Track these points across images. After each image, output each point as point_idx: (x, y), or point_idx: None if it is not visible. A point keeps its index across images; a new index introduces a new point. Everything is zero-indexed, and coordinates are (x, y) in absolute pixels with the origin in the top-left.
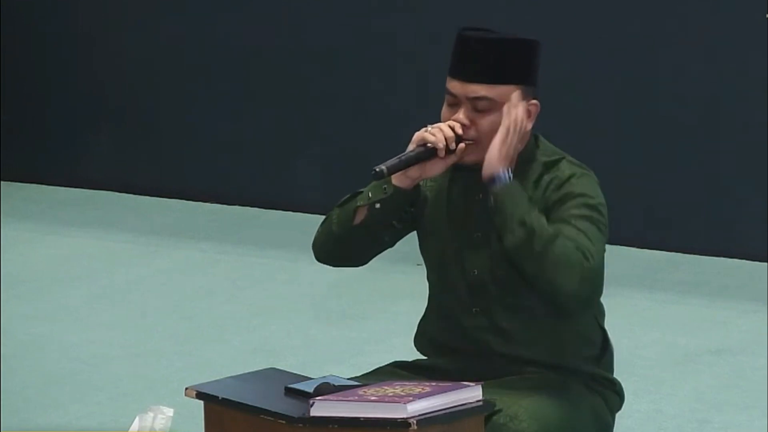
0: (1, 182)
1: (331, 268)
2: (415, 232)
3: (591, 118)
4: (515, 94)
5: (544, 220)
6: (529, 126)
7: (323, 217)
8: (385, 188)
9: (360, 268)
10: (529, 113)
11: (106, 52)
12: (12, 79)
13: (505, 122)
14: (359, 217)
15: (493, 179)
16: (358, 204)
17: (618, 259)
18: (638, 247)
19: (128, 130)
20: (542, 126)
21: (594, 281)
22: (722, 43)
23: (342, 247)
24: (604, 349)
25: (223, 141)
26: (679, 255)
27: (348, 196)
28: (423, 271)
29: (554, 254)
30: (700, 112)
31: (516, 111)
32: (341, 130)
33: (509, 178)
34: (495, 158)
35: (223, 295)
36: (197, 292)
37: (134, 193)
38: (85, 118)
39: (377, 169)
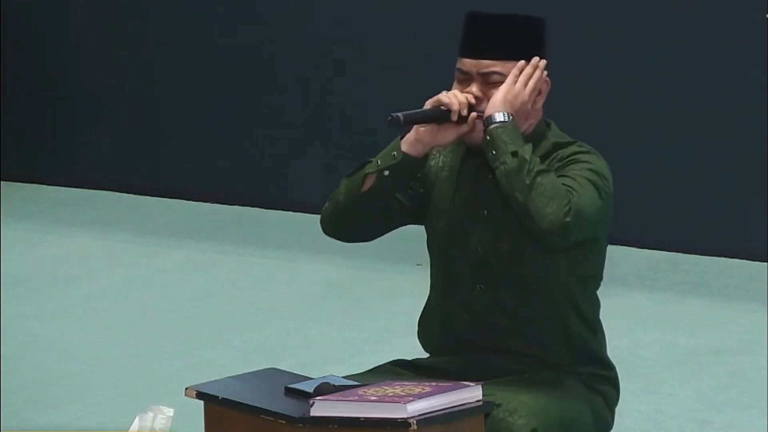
0: (1, 182)
1: (330, 267)
2: (416, 233)
3: (591, 118)
4: (536, 57)
5: (538, 159)
6: (540, 103)
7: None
8: (394, 155)
9: (360, 267)
10: (539, 90)
11: (106, 52)
12: (12, 79)
13: (514, 71)
14: (367, 185)
15: (491, 119)
16: (367, 171)
17: (618, 259)
18: (638, 247)
19: (128, 130)
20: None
21: (577, 216)
22: (722, 43)
23: (348, 217)
24: (599, 331)
25: (223, 141)
26: (679, 255)
27: (356, 167)
28: (423, 271)
29: (542, 184)
30: (700, 112)
31: (524, 65)
32: (341, 130)
33: (509, 120)
34: (498, 101)
35: (223, 295)
36: (197, 292)
37: (134, 193)
38: (85, 118)
39: (393, 115)
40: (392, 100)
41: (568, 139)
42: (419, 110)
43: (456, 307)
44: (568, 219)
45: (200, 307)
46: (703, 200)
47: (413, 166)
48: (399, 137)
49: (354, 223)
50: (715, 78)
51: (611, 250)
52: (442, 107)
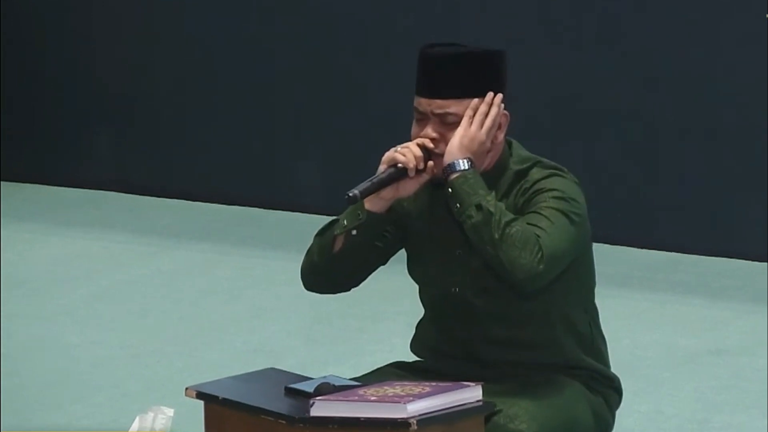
0: (1, 182)
1: None
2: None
3: (590, 119)
4: (490, 94)
5: (502, 205)
6: (500, 137)
7: (323, 217)
8: (359, 214)
9: None
10: (499, 125)
11: (106, 52)
12: (12, 79)
13: (468, 112)
14: (338, 245)
15: (451, 168)
16: (335, 233)
17: (618, 259)
18: (638, 247)
19: (128, 130)
20: (542, 125)
21: (551, 259)
22: (722, 43)
23: (326, 276)
24: (597, 342)
25: (223, 141)
26: (679, 255)
27: (326, 224)
28: None
29: (512, 235)
30: (700, 112)
31: (479, 104)
32: (341, 131)
33: (468, 167)
34: (455, 147)
35: (223, 295)
36: (197, 293)
37: (134, 193)
38: (85, 118)
39: (350, 194)
40: (393, 101)
41: (529, 161)
42: (375, 178)
43: (445, 335)
44: (541, 267)
45: (200, 307)
46: (703, 200)
47: (379, 221)
48: None
49: (332, 280)
50: (715, 77)
51: (612, 250)
52: (398, 165)
